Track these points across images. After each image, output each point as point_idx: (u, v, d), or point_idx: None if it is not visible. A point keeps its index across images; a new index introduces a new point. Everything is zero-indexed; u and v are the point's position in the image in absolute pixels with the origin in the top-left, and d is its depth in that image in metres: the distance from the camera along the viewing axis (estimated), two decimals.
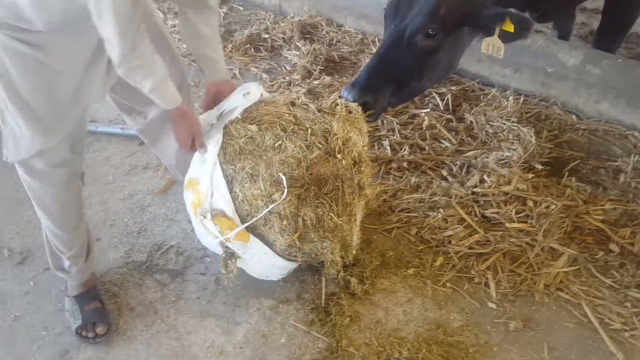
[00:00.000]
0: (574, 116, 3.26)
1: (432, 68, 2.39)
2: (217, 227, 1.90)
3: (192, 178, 1.97)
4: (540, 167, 2.80)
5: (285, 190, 1.83)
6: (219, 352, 2.00)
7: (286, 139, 1.87)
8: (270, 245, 1.96)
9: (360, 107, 2.13)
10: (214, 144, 1.90)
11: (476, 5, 2.22)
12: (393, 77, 2.36)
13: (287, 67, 3.96)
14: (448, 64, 2.50)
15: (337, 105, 2.02)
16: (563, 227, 2.48)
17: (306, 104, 2.02)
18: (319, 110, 1.98)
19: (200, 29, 1.91)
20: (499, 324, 2.14)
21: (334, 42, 4.29)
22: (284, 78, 3.79)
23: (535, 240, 2.41)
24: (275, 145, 1.87)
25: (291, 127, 1.89)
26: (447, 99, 3.34)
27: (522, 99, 3.33)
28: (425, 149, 3.00)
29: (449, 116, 3.23)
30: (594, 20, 4.40)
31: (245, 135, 1.88)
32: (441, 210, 2.55)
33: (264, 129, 1.88)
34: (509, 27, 2.14)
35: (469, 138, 3.08)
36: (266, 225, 1.91)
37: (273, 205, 1.85)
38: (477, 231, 2.46)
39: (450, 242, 2.44)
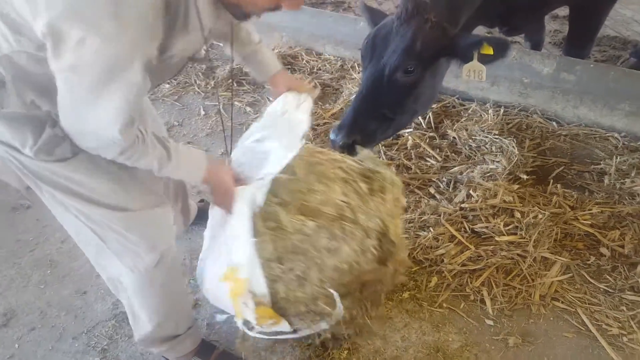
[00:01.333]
0: (554, 123, 3.30)
1: (415, 101, 2.39)
2: (255, 315, 1.68)
3: (231, 266, 1.66)
4: (525, 176, 2.82)
5: (339, 307, 1.69)
6: None
7: (342, 240, 1.68)
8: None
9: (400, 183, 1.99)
10: (245, 217, 1.63)
11: (450, 36, 2.24)
12: (379, 114, 2.37)
13: (271, 99, 3.98)
14: (430, 94, 2.52)
15: (386, 184, 1.86)
16: (553, 236, 2.49)
17: (355, 181, 1.80)
18: (371, 191, 1.82)
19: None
20: (497, 340, 2.12)
21: (315, 70, 4.35)
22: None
23: (526, 251, 2.41)
24: (331, 247, 1.66)
25: (348, 228, 1.69)
26: (429, 117, 3.37)
27: (502, 110, 3.37)
28: (411, 169, 3.02)
29: (432, 134, 3.26)
30: (567, 27, 4.48)
31: (300, 231, 1.65)
32: (431, 229, 2.56)
33: (320, 227, 1.66)
34: (488, 50, 2.17)
35: (453, 154, 3.10)
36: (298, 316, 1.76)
37: (325, 327, 1.76)
38: (468, 247, 2.47)
39: (442, 260, 2.43)
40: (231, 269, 1.65)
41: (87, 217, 1.52)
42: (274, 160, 1.70)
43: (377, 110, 2.34)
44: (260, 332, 1.77)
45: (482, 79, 2.25)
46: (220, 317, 1.88)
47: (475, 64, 2.21)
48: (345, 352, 2.09)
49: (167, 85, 4.24)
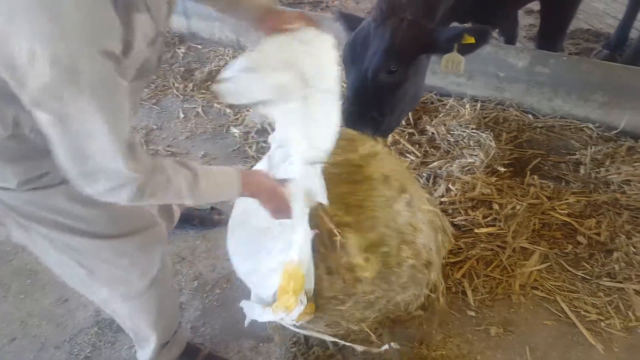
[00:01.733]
0: (530, 116, 3.35)
1: (401, 100, 2.38)
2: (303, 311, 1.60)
3: (291, 261, 1.55)
4: (503, 169, 2.86)
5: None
6: None
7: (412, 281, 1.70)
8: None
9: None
10: (302, 211, 1.53)
11: (428, 32, 2.23)
12: (367, 118, 2.34)
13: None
14: (415, 92, 2.50)
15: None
16: (531, 226, 2.53)
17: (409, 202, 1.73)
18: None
19: None
20: (479, 331, 2.15)
21: None
22: (247, 111, 3.82)
23: (505, 242, 2.45)
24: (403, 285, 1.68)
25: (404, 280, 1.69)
26: (408, 113, 3.40)
27: (478, 105, 3.41)
28: None
29: (411, 130, 3.29)
30: None
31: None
32: None
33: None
34: (470, 40, 2.15)
35: (432, 149, 3.13)
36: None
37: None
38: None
39: None
40: (292, 263, 1.54)
41: (74, 249, 1.42)
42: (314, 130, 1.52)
43: (365, 114, 2.31)
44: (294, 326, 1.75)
45: (460, 71, 2.24)
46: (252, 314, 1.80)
47: (454, 55, 2.19)
48: (329, 349, 2.10)
49: (145, 89, 4.20)
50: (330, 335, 1.83)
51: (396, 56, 2.18)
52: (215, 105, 3.97)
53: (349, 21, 2.50)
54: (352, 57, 2.28)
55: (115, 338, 2.23)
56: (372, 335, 1.81)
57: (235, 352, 2.14)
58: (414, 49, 2.23)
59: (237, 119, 3.76)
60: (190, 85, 4.24)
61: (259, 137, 3.46)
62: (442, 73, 3.52)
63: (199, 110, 3.91)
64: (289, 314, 1.56)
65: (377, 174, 1.74)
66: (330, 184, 1.57)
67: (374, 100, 2.29)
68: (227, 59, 4.55)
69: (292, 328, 1.82)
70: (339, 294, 1.60)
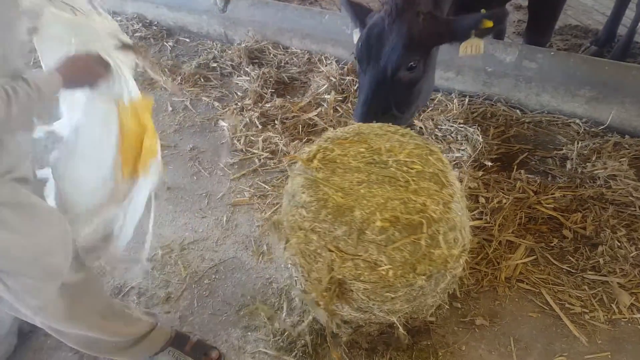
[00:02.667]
0: (518, 111, 3.37)
1: (419, 95, 2.39)
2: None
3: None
4: (490, 163, 2.88)
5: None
6: None
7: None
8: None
9: None
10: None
11: (446, 23, 2.23)
12: (387, 115, 2.31)
13: (239, 93, 3.98)
14: (431, 84, 2.51)
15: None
16: (517, 220, 2.55)
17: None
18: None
19: None
20: (465, 322, 2.17)
21: (282, 64, 4.34)
22: (236, 104, 3.80)
23: (491, 235, 2.47)
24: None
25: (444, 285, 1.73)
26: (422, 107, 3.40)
27: (466, 100, 3.43)
28: None
29: None
30: None
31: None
32: None
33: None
34: (488, 24, 2.15)
35: None
36: None
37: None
38: None
39: None
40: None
41: None
42: None
43: (385, 112, 2.30)
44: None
45: (480, 52, 2.24)
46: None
47: (473, 39, 2.20)
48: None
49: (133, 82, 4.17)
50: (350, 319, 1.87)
51: (415, 51, 2.16)
52: (203, 98, 3.95)
53: (357, 11, 2.45)
54: (367, 54, 2.24)
55: None
56: (400, 327, 1.82)
57: (224, 340, 2.14)
58: (432, 42, 2.23)
59: (226, 112, 3.74)
60: (179, 78, 4.21)
61: (247, 131, 3.44)
62: None
63: (187, 103, 3.89)
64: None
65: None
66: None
67: (393, 97, 2.27)
68: (215, 52, 4.53)
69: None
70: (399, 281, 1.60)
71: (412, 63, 2.17)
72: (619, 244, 2.41)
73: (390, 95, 2.25)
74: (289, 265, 2.01)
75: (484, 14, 2.19)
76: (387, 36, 2.17)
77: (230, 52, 4.51)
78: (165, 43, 4.83)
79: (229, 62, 4.39)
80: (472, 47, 2.24)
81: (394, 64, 2.15)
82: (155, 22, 5.14)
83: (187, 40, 4.83)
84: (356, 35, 2.50)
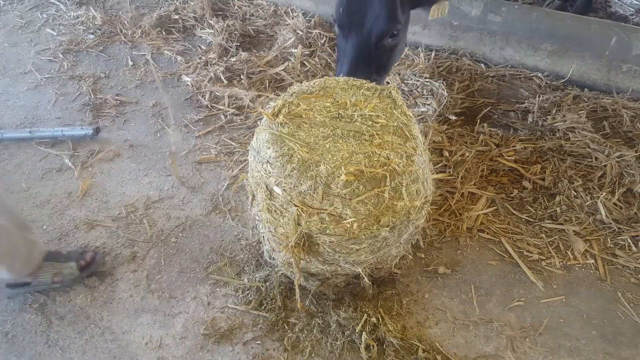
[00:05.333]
0: (482, 65, 3.39)
1: (396, 56, 2.44)
2: None
3: None
4: (454, 117, 2.91)
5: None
6: (158, 346, 1.98)
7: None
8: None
9: None
10: None
11: None
12: (367, 72, 2.31)
13: (202, 47, 3.85)
14: (404, 42, 2.55)
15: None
16: (479, 172, 2.61)
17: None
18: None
19: None
20: (428, 271, 2.24)
21: (248, 16, 4.20)
22: (200, 58, 3.69)
23: (454, 187, 2.53)
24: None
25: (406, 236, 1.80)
26: None
27: (433, 54, 3.42)
28: None
29: None
30: None
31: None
32: None
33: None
34: None
35: None
36: None
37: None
38: None
39: None
40: None
41: None
42: None
43: (367, 77, 2.27)
44: None
45: (445, 14, 2.33)
46: None
47: (441, 3, 2.27)
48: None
49: (91, 36, 3.98)
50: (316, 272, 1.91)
51: (398, 20, 2.18)
52: (165, 52, 3.81)
53: None
54: (349, 20, 2.22)
55: (69, 287, 2.20)
56: (365, 277, 1.87)
57: (192, 297, 2.16)
58: (409, 7, 2.27)
59: (189, 67, 3.63)
60: (139, 32, 4.04)
61: (212, 86, 3.36)
62: None
63: (149, 57, 3.75)
64: None
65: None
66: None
67: (375, 61, 2.29)
68: (177, 3, 4.34)
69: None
70: (363, 233, 1.62)
71: (394, 31, 2.20)
72: (576, 194, 2.51)
73: (373, 59, 2.27)
74: (256, 221, 2.02)
75: None
76: (369, 2, 2.15)
77: (192, 3, 4.33)
78: None
79: (192, 14, 4.22)
80: (439, 10, 2.30)
81: (379, 33, 2.17)
82: None
83: None
84: None
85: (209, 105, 3.23)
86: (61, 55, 3.75)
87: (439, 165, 2.60)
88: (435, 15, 2.30)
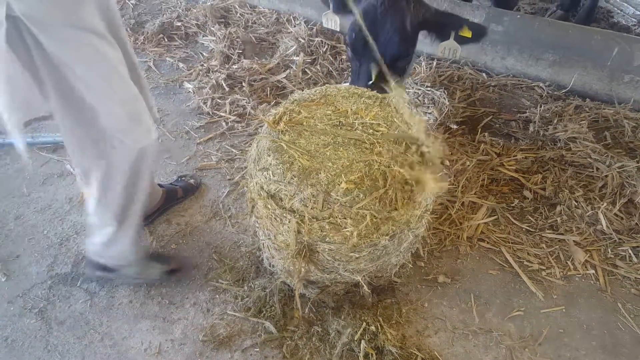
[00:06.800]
0: (484, 74, 3.40)
1: (407, 72, 2.50)
2: None
3: None
4: (455, 126, 2.92)
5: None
6: (157, 352, 1.97)
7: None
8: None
9: None
10: None
11: (431, 11, 2.28)
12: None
13: (204, 54, 3.88)
14: (413, 57, 2.59)
15: None
16: (480, 181, 2.61)
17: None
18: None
19: None
20: (428, 280, 2.23)
21: (250, 23, 4.23)
22: (201, 65, 3.71)
23: (455, 196, 2.53)
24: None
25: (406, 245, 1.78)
26: None
27: (434, 63, 3.43)
28: None
29: None
30: None
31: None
32: None
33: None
34: (467, 33, 2.23)
35: None
36: None
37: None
38: None
39: None
40: None
41: None
42: None
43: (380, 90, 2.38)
44: None
45: (457, 57, 2.34)
46: None
47: (452, 42, 2.29)
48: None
49: None
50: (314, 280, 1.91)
51: (410, 42, 2.23)
52: (167, 59, 3.83)
53: None
54: (362, 45, 2.24)
55: (69, 292, 2.20)
56: (364, 286, 1.86)
57: (192, 303, 2.15)
58: (420, 28, 2.29)
59: (191, 73, 3.65)
60: (141, 38, 4.07)
61: (213, 93, 3.37)
62: None
63: (151, 64, 3.77)
64: None
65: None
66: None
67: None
68: (179, 10, 4.38)
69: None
70: (363, 242, 1.62)
71: (409, 52, 2.26)
72: (576, 204, 2.51)
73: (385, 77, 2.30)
74: (256, 229, 2.02)
75: (467, 20, 2.23)
76: (381, 26, 2.18)
77: (195, 10, 4.37)
78: (127, 1, 4.63)
79: (194, 21, 4.26)
80: (451, 50, 2.33)
81: (392, 57, 2.20)
82: None
83: None
84: (326, 17, 2.49)
85: (210, 113, 3.24)
86: None
87: (440, 174, 2.59)
88: (446, 55, 2.35)
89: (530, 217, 2.49)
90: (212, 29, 4.09)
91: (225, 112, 3.23)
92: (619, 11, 4.26)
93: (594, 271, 2.27)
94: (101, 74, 1.58)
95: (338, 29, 2.54)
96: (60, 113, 1.67)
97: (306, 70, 3.53)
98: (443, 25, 2.27)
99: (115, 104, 1.64)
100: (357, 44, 2.25)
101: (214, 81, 3.48)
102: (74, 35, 1.47)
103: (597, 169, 2.66)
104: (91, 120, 1.65)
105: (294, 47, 3.74)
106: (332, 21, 2.54)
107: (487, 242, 2.38)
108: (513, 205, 2.54)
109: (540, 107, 3.08)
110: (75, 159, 1.85)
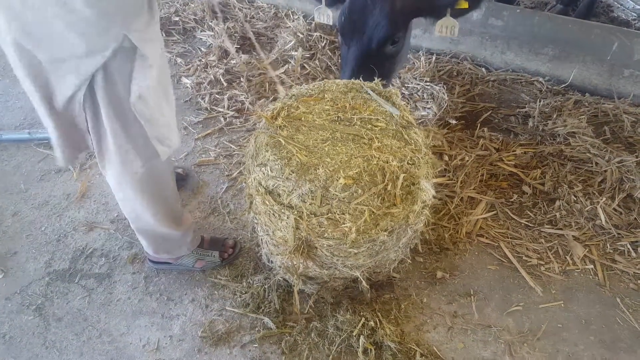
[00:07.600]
0: (483, 69, 3.39)
1: (399, 62, 2.45)
2: None
3: None
4: (454, 122, 2.91)
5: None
6: (156, 348, 1.98)
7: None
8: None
9: None
10: None
11: None
12: (369, 79, 2.30)
13: (202, 49, 3.86)
14: (408, 48, 2.56)
15: None
16: (479, 177, 2.60)
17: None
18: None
19: None
20: (427, 275, 2.23)
21: (248, 18, 4.21)
22: (200, 60, 3.69)
23: (454, 191, 2.52)
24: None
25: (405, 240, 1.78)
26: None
27: (433, 58, 3.42)
28: None
29: None
30: None
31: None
32: None
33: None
34: (464, 5, 2.19)
35: None
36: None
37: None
38: None
39: None
40: None
41: None
42: None
43: (367, 78, 2.33)
44: None
45: (455, 35, 2.29)
46: None
47: (448, 19, 2.24)
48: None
49: None
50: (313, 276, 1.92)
51: (398, 26, 2.19)
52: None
53: None
54: (351, 28, 2.24)
55: (67, 289, 2.20)
56: (363, 281, 1.86)
57: (190, 299, 2.15)
58: (412, 15, 2.26)
59: (189, 69, 3.63)
60: None
61: (211, 88, 3.36)
62: None
63: None
64: None
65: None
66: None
67: (378, 69, 2.29)
68: (177, 5, 4.35)
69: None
70: (362, 237, 1.62)
71: (396, 38, 2.21)
72: (575, 199, 2.50)
73: (375, 66, 2.28)
74: (255, 225, 2.02)
75: None
76: (370, 10, 2.16)
77: (193, 5, 4.34)
78: None
79: (192, 16, 4.23)
80: (447, 28, 2.28)
81: (379, 40, 2.17)
82: None
83: None
84: (319, 12, 2.48)
85: (209, 108, 3.23)
86: None
87: (439, 169, 2.59)
88: (443, 33, 2.29)
89: (529, 212, 2.49)
90: (210, 23, 4.07)
91: (224, 107, 3.21)
92: (618, 5, 4.24)
93: (592, 266, 2.27)
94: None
95: (331, 23, 2.52)
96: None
97: (305, 65, 3.51)
98: (437, 6, 2.24)
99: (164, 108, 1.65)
100: (346, 27, 2.24)
101: (212, 76, 3.46)
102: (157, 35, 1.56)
103: (596, 163, 2.65)
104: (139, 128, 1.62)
105: (293, 42, 3.72)
106: (325, 15, 2.51)
107: (486, 238, 2.38)
108: (512, 200, 2.54)
109: (540, 102, 3.07)
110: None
